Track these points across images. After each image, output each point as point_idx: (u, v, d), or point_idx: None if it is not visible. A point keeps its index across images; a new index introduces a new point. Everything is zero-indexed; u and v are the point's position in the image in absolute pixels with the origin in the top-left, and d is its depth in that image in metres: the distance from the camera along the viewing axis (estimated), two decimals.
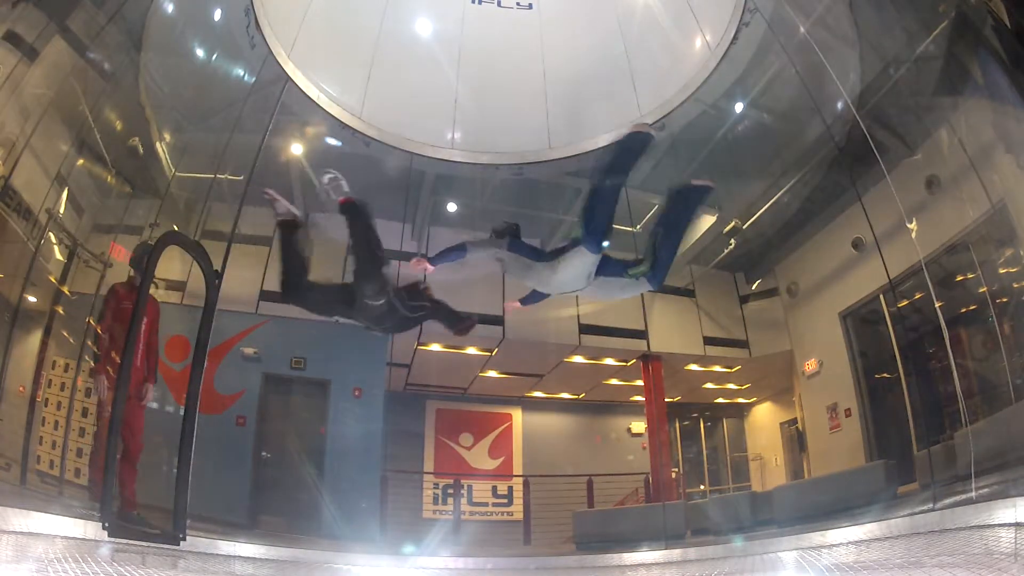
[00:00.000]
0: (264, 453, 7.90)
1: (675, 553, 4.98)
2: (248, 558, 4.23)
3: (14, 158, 4.77)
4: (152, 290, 4.51)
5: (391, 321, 4.09)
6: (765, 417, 11.88)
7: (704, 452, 12.69)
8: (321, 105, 7.14)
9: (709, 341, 10.06)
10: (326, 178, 3.93)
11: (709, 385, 11.51)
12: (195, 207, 6.74)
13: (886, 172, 5.34)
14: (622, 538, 6.77)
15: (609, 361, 10.31)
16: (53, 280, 5.61)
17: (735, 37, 6.40)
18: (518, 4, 7.19)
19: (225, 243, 5.08)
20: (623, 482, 10.88)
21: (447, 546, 7.07)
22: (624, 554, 5.17)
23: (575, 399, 12.21)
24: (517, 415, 11.99)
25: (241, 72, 6.82)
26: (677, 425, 12.54)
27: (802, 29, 5.86)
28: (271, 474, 7.77)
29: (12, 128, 4.77)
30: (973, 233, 5.79)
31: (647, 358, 9.88)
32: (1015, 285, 5.56)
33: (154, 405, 4.41)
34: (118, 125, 6.36)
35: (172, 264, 5.73)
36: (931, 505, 3.60)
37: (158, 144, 6.80)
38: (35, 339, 5.41)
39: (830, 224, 8.44)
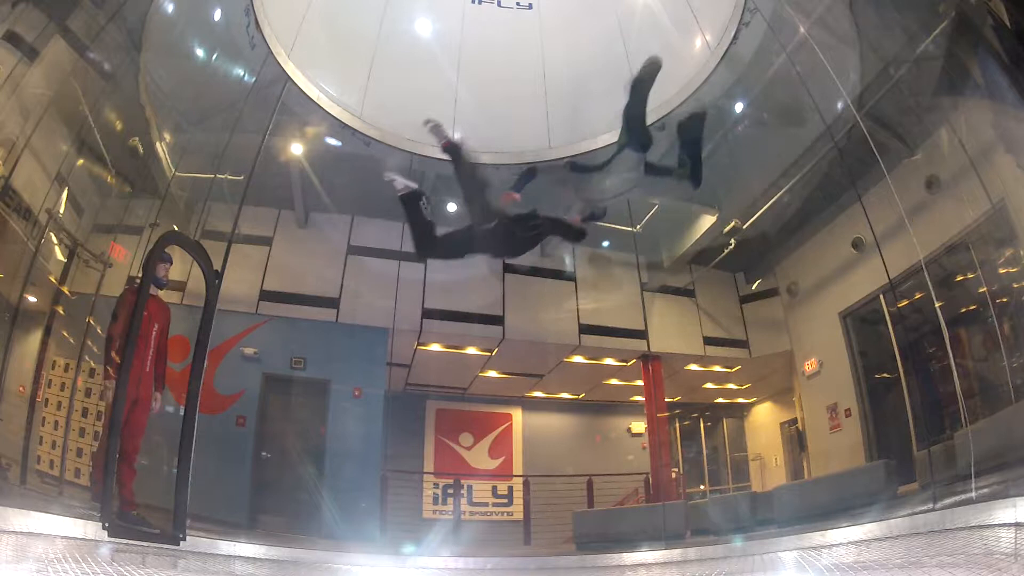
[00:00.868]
0: (264, 453, 7.89)
1: (675, 553, 4.98)
2: (248, 558, 4.23)
3: (14, 158, 4.77)
4: (163, 294, 4.56)
5: (511, 243, 4.54)
6: (765, 417, 11.88)
7: (704, 452, 12.68)
8: (321, 105, 7.15)
9: (709, 341, 10.07)
10: (428, 124, 4.37)
11: (709, 385, 11.51)
12: (195, 207, 6.75)
13: (886, 172, 5.35)
14: (622, 538, 6.75)
15: (609, 361, 10.30)
16: (53, 280, 5.61)
17: (735, 37, 6.41)
18: (518, 4, 7.20)
19: (225, 243, 5.08)
20: (623, 482, 10.87)
21: (447, 546, 7.06)
22: (624, 554, 5.17)
23: (575, 399, 12.20)
24: (517, 415, 11.97)
25: (241, 72, 6.82)
26: (677, 425, 12.54)
27: (802, 29, 5.86)
28: (271, 474, 7.77)
29: (12, 128, 4.77)
30: (973, 233, 5.79)
31: (647, 358, 9.89)
32: (1015, 285, 5.56)
33: (155, 406, 4.41)
34: (118, 125, 6.36)
35: (172, 264, 5.73)
36: (931, 505, 3.59)
37: (158, 144, 6.80)
38: (35, 339, 5.42)
39: (830, 224, 8.44)
